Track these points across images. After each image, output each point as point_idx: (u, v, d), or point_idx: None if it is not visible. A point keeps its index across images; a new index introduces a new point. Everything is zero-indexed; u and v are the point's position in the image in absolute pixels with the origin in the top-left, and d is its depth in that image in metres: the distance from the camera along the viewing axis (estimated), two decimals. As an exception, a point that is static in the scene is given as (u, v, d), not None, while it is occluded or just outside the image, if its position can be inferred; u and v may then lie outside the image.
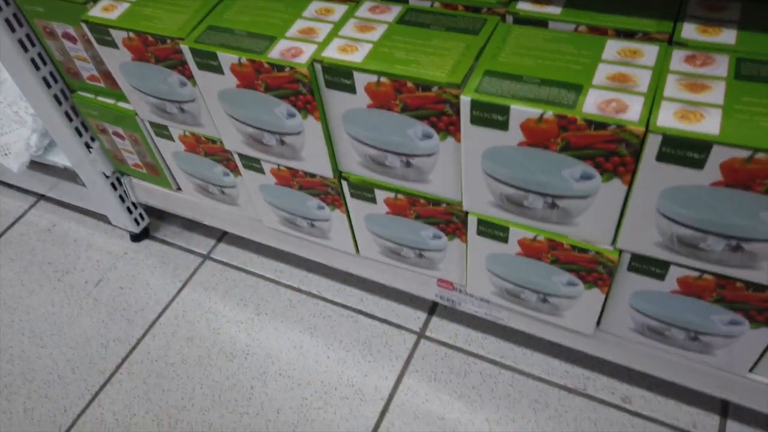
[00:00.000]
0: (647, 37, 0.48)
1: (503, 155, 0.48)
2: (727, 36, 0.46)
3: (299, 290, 0.86)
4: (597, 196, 0.47)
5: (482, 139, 0.48)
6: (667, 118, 0.41)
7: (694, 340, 0.54)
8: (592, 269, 0.53)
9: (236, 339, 0.82)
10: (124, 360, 0.82)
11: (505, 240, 0.56)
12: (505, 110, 0.45)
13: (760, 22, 0.46)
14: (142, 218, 0.94)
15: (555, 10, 0.51)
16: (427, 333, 0.79)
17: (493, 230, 0.56)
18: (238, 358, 0.80)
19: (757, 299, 0.47)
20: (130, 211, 0.91)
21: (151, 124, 0.72)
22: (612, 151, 0.43)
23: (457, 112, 0.48)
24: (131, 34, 0.60)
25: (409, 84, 0.49)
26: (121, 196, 0.88)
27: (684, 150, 0.40)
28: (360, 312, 0.83)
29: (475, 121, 0.47)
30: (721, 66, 0.43)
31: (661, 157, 0.41)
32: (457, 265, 0.64)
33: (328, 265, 0.80)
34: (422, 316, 0.81)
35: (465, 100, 0.46)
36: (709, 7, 0.49)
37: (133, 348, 0.83)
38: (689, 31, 0.47)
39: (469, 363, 0.76)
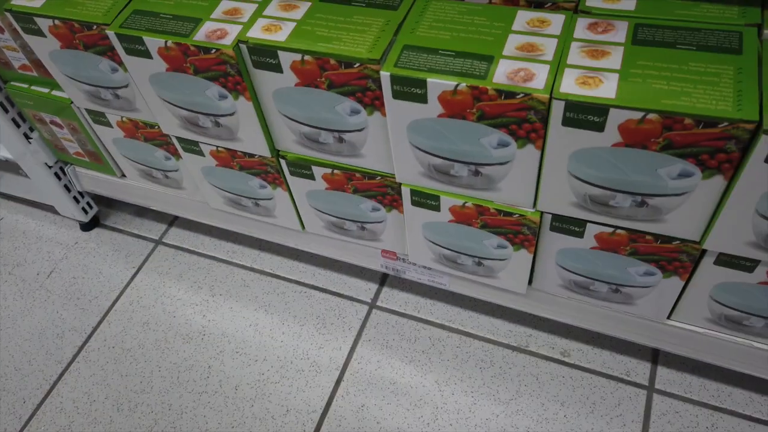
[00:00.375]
0: (555, 6, 0.50)
1: (426, 127, 0.50)
2: (628, 3, 0.48)
3: (252, 269, 0.88)
4: (514, 162, 0.49)
5: (406, 113, 0.50)
6: (569, 84, 0.43)
7: (615, 292, 0.58)
8: (518, 231, 0.56)
9: (192, 321, 0.83)
10: (80, 349, 0.83)
11: (437, 209, 0.58)
12: (422, 84, 0.47)
13: (660, -11, 0.49)
14: (90, 207, 0.93)
15: (472, -18, 0.53)
16: (379, 303, 0.82)
17: (425, 200, 0.58)
18: (195, 340, 0.81)
19: (665, 250, 0.51)
20: (77, 201, 0.91)
21: (88, 111, 0.72)
22: (523, 119, 0.46)
23: (380, 87, 0.50)
24: (57, 22, 0.59)
25: (332, 61, 0.50)
26: (66, 186, 0.88)
27: (585, 114, 0.43)
28: (313, 287, 0.85)
29: (396, 95, 0.49)
30: (620, 32, 0.46)
31: (566, 121, 0.44)
32: (398, 235, 0.67)
33: (278, 243, 0.81)
34: (373, 287, 0.84)
35: (385, 76, 0.48)
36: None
37: (90, 336, 0.84)
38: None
39: (418, 329, 0.79)
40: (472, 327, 0.78)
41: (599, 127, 0.43)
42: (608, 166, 0.45)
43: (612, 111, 0.42)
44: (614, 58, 0.44)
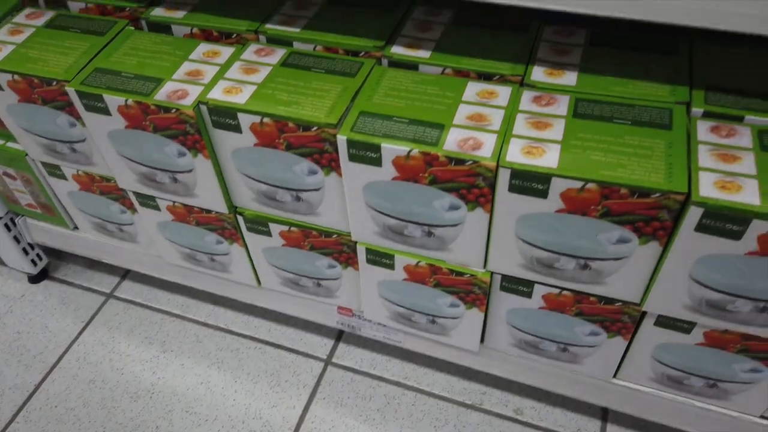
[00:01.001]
0: (503, 79, 0.53)
1: (380, 189, 0.52)
2: (570, 78, 0.52)
3: (206, 324, 0.87)
4: (465, 224, 0.51)
5: (360, 175, 0.52)
6: (515, 153, 0.46)
7: (564, 351, 0.59)
8: (470, 290, 0.57)
9: (141, 378, 0.81)
10: (21, 408, 0.79)
11: (392, 267, 0.59)
12: (377, 148, 0.49)
13: (597, 66, 0.53)
14: (40, 258, 0.91)
15: (425, 54, 0.56)
16: (334, 360, 0.81)
17: (380, 258, 0.59)
18: (143, 398, 0.79)
19: (608, 311, 0.53)
20: (27, 252, 0.88)
21: (43, 164, 0.71)
22: (472, 184, 0.48)
23: (337, 150, 0.52)
24: (16, 77, 0.60)
25: (290, 124, 0.52)
26: (15, 237, 0.86)
27: (530, 182, 0.45)
28: (267, 343, 0.84)
29: (352, 158, 0.51)
30: (562, 105, 0.49)
31: (512, 188, 0.46)
32: (353, 292, 0.67)
33: (233, 298, 0.81)
34: (329, 343, 0.83)
35: (341, 139, 0.50)
36: (556, 52, 0.55)
37: (31, 395, 0.80)
38: (538, 73, 0.53)
39: (374, 386, 0.78)
40: (427, 384, 0.78)
41: (543, 194, 0.45)
42: (552, 230, 0.48)
43: (554, 180, 0.44)
44: (557, 130, 0.47)
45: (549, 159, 0.45)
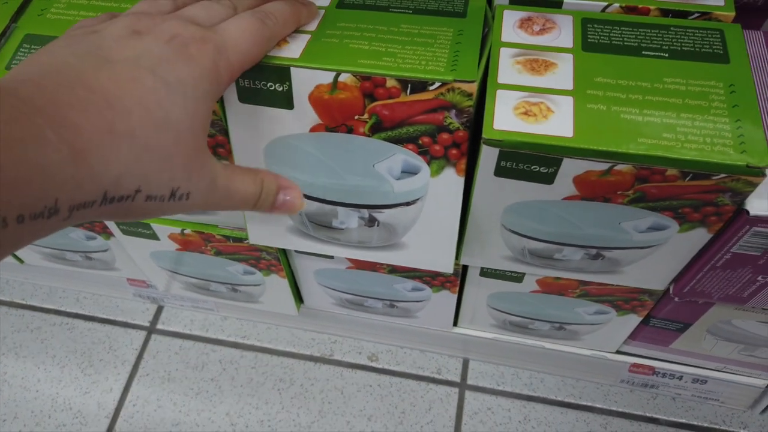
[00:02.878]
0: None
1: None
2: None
3: (-2, 303, 0.71)
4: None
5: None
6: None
7: (391, 307, 0.49)
8: (260, 257, 0.44)
9: None
10: None
11: (155, 237, 0.45)
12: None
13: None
14: None
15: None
16: (159, 326, 0.69)
17: (136, 228, 0.45)
18: (-76, 404, 0.64)
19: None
20: None
21: None
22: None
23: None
24: None
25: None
26: None
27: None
28: (76, 316, 0.70)
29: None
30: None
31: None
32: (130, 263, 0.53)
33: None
34: (152, 307, 0.70)
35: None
36: None
37: None
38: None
39: (206, 352, 0.67)
40: (270, 341, 0.67)
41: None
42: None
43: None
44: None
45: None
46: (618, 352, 0.50)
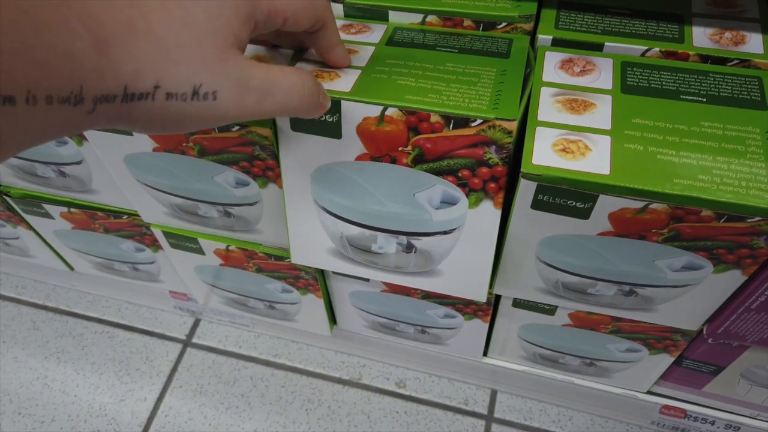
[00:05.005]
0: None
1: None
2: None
3: (44, 307, 0.74)
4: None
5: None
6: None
7: (423, 333, 0.50)
8: (298, 276, 0.46)
9: (-32, 378, 0.69)
10: None
11: (201, 252, 0.48)
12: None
13: None
14: None
15: None
16: (194, 340, 0.71)
17: (184, 242, 0.47)
18: (-30, 401, 0.67)
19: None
20: None
21: None
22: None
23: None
24: None
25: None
26: None
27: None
28: (116, 325, 0.72)
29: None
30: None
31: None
32: (175, 275, 0.56)
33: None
34: (189, 320, 0.72)
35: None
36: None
37: None
38: None
39: (239, 368, 0.69)
40: (300, 361, 0.69)
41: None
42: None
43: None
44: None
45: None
46: (649, 392, 0.49)
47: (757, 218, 0.29)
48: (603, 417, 0.61)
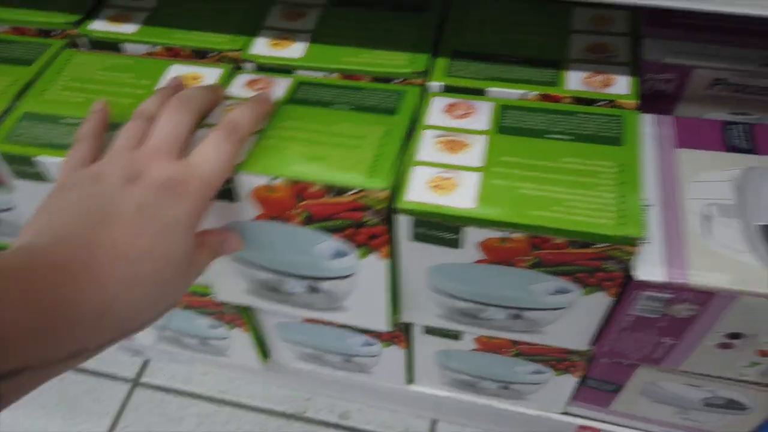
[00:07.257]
0: (221, 57, 0.43)
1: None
2: (297, 49, 0.42)
3: (-4, 353, 0.75)
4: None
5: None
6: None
7: (347, 362, 0.52)
8: (222, 312, 0.49)
9: None
10: None
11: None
12: (33, 163, 0.38)
13: (333, 31, 0.43)
14: None
15: (131, 28, 0.45)
16: (143, 379, 0.72)
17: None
18: None
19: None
20: None
21: None
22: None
23: None
24: None
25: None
26: None
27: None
28: (66, 367, 0.73)
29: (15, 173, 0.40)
30: (280, 87, 0.39)
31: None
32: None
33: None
34: (139, 360, 0.74)
35: (-5, 153, 0.39)
36: (288, 16, 0.45)
37: None
38: (261, 45, 0.43)
39: (185, 406, 0.70)
40: (247, 396, 0.70)
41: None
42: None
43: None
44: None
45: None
46: (566, 413, 0.52)
47: (602, 244, 0.32)
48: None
